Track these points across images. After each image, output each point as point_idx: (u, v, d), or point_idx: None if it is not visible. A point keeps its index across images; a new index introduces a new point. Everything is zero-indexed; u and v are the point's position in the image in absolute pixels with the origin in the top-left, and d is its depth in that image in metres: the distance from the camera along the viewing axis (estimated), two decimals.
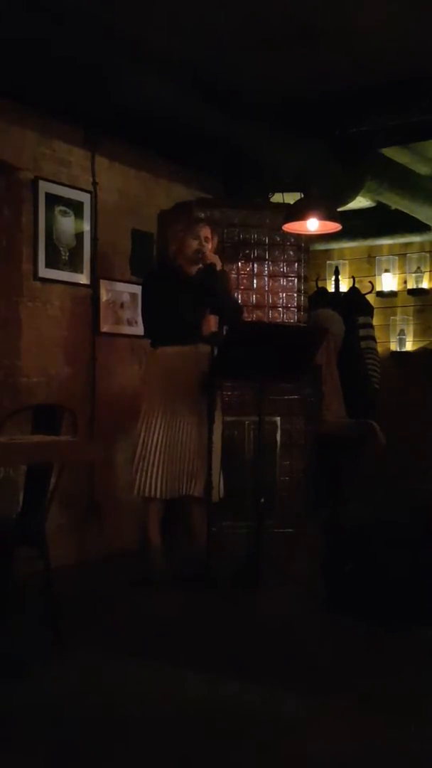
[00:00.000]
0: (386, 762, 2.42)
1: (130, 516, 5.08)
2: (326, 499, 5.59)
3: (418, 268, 7.56)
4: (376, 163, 5.82)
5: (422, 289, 7.58)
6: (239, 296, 5.33)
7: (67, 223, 4.86)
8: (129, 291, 5.21)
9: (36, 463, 3.30)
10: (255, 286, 5.44)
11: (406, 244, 7.62)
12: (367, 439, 6.40)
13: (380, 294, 7.67)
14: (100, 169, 5.07)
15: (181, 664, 3.15)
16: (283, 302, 5.49)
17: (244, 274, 5.42)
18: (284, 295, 5.50)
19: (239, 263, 5.40)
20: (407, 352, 7.67)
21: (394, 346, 7.69)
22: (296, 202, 5.10)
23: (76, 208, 4.92)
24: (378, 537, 3.75)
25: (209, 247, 4.39)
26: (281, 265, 5.49)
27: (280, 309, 5.48)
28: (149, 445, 4.32)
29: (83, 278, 4.97)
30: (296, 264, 5.52)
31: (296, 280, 5.52)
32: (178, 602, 4.01)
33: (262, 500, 4.28)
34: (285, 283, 5.49)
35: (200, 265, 4.36)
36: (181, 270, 4.43)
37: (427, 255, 7.57)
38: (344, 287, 7.39)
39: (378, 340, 7.21)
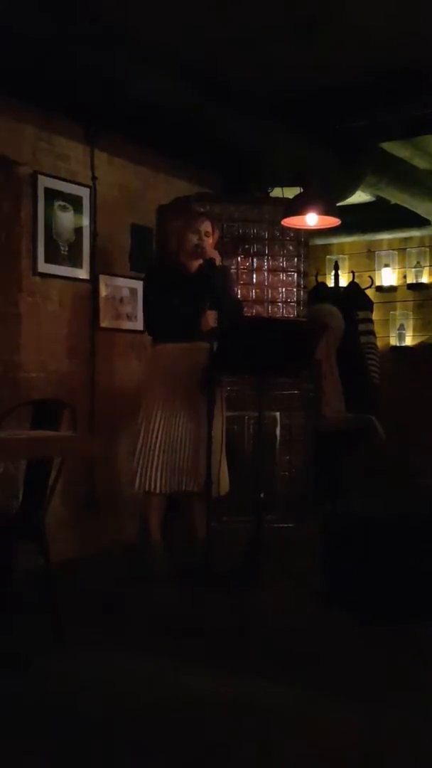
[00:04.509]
0: (387, 758, 2.42)
1: (130, 510, 5.09)
2: (326, 493, 5.60)
3: (418, 262, 7.56)
4: (376, 157, 5.81)
5: (422, 284, 7.58)
6: (239, 291, 5.32)
7: (66, 218, 4.85)
8: (128, 286, 5.21)
9: (36, 458, 3.30)
10: (254, 281, 5.43)
11: (406, 239, 7.62)
12: (366, 433, 6.40)
13: (380, 289, 7.67)
14: (99, 164, 5.06)
15: (181, 659, 3.15)
16: (282, 297, 5.48)
17: (244, 269, 5.41)
18: (284, 290, 5.49)
19: (238, 258, 5.39)
20: (407, 347, 7.67)
21: (393, 341, 7.69)
22: (296, 197, 5.09)
23: (76, 202, 4.91)
24: (377, 531, 3.75)
25: (210, 241, 4.38)
26: (281, 260, 5.48)
27: (279, 304, 5.47)
28: (149, 441, 4.32)
29: (83, 273, 4.96)
30: (296, 259, 5.51)
31: (296, 275, 5.51)
32: (177, 597, 4.01)
33: (262, 495, 4.28)
34: (284, 278, 5.48)
35: (201, 261, 4.36)
36: (181, 265, 4.42)
37: (427, 249, 7.57)
38: (344, 282, 7.39)
39: (378, 335, 7.22)
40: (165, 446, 4.31)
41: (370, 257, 7.84)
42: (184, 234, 4.39)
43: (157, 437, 4.31)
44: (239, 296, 5.03)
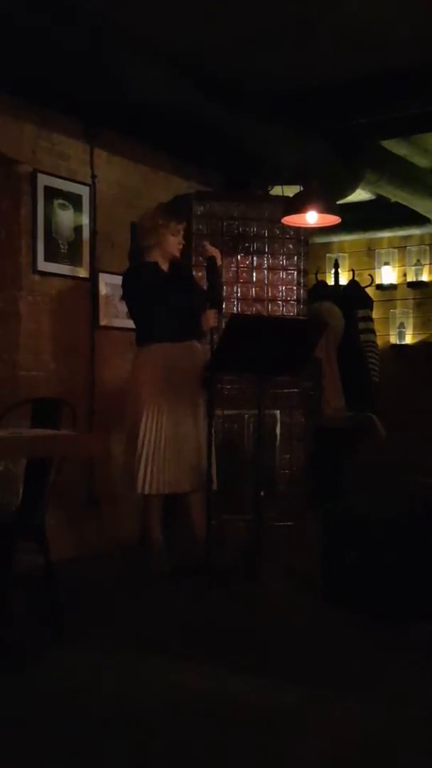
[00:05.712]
0: (386, 756, 2.42)
1: (129, 509, 5.08)
2: (326, 491, 5.59)
3: (418, 260, 7.55)
4: (376, 155, 5.81)
5: (422, 282, 7.57)
6: (239, 289, 5.32)
7: (65, 216, 4.85)
8: None
9: (35, 457, 3.29)
10: (254, 279, 5.42)
11: (406, 237, 7.61)
12: (366, 432, 6.40)
13: (380, 287, 7.66)
14: (98, 162, 5.05)
15: (181, 658, 3.15)
16: (282, 295, 5.47)
17: (244, 267, 5.40)
18: (284, 288, 5.49)
19: (238, 256, 5.38)
20: (407, 345, 7.66)
21: (393, 339, 7.68)
22: (296, 195, 5.08)
23: (75, 201, 4.91)
24: (377, 530, 3.75)
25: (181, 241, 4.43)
26: (281, 258, 5.47)
27: (279, 302, 5.46)
28: (152, 442, 4.29)
29: (82, 271, 4.96)
30: (296, 257, 5.50)
31: (296, 273, 5.50)
32: (177, 595, 4.01)
33: (262, 493, 4.28)
34: (284, 276, 5.47)
35: (174, 260, 4.38)
36: (158, 265, 4.41)
37: (427, 247, 7.56)
38: (344, 280, 7.38)
39: (378, 333, 7.21)
40: (168, 446, 4.29)
41: (370, 255, 7.82)
42: (165, 233, 4.38)
43: (159, 438, 4.29)
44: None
